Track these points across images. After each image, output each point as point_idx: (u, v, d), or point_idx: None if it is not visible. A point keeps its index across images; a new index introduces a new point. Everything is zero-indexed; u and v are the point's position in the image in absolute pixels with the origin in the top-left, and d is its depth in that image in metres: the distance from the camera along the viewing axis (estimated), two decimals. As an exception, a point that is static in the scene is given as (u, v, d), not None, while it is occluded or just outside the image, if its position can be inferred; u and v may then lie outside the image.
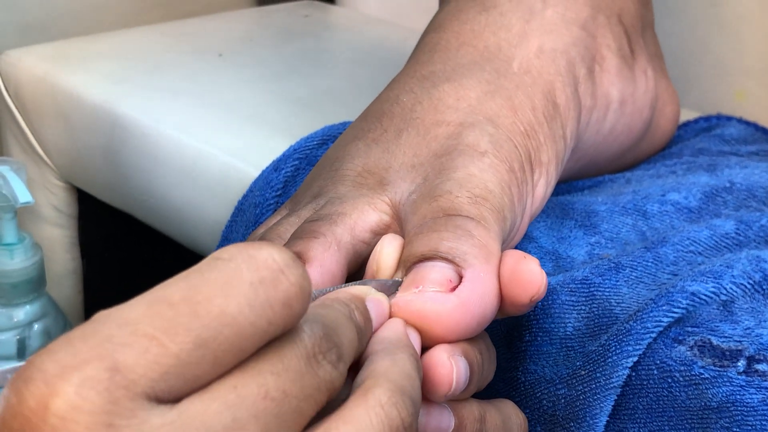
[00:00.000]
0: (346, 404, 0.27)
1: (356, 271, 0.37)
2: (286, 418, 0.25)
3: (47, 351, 0.24)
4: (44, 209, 0.72)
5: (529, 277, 0.34)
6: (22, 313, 0.64)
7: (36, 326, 0.65)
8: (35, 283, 0.64)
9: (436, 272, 0.33)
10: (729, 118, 0.59)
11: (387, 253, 0.35)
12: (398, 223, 0.37)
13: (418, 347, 0.32)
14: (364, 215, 0.37)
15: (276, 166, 0.50)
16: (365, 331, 0.30)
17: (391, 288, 0.34)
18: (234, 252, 0.25)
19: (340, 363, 0.27)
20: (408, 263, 0.34)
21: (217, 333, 0.24)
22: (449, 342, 0.33)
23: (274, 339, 0.26)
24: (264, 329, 0.25)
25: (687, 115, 0.62)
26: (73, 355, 0.23)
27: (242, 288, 0.25)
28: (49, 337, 0.66)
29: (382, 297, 0.33)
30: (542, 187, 0.41)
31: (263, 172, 0.51)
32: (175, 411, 0.24)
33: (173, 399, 0.24)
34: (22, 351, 0.65)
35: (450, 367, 0.32)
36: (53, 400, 0.23)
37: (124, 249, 0.75)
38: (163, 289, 0.25)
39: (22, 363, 0.61)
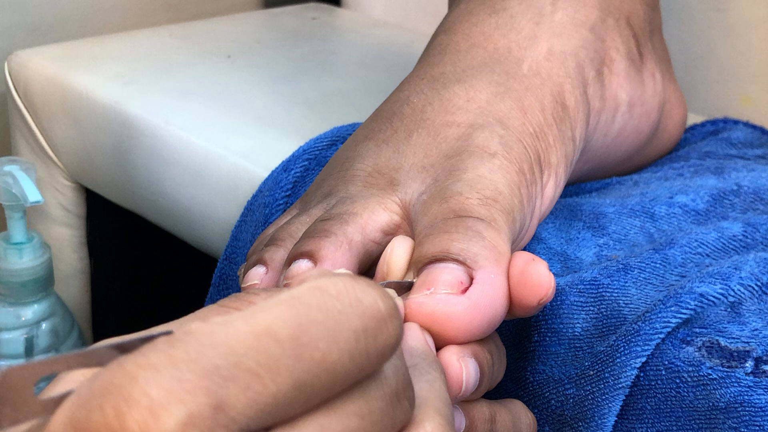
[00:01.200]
0: None
1: (366, 270, 0.37)
2: None
3: (152, 368, 0.22)
4: (53, 209, 0.72)
5: (538, 279, 0.34)
6: (30, 312, 0.65)
7: (44, 325, 0.65)
8: (43, 282, 0.65)
9: (447, 274, 0.34)
10: (736, 122, 0.59)
11: (398, 255, 0.35)
12: (408, 224, 0.37)
13: (431, 350, 0.33)
14: (374, 215, 0.37)
15: (285, 166, 0.50)
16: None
17: (402, 289, 0.34)
18: (341, 290, 0.25)
19: (413, 398, 0.27)
20: (419, 264, 0.34)
21: (315, 378, 0.23)
22: (460, 343, 0.33)
23: (358, 383, 0.25)
24: (356, 376, 0.24)
25: (693, 119, 0.62)
26: (180, 383, 0.22)
27: (347, 335, 0.24)
28: (56, 336, 0.66)
29: (398, 301, 0.33)
30: (551, 188, 0.42)
31: (272, 172, 0.51)
32: None
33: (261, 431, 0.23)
34: (29, 350, 0.65)
35: (460, 368, 0.32)
36: (156, 430, 0.21)
37: (131, 249, 0.76)
38: (269, 319, 0.23)
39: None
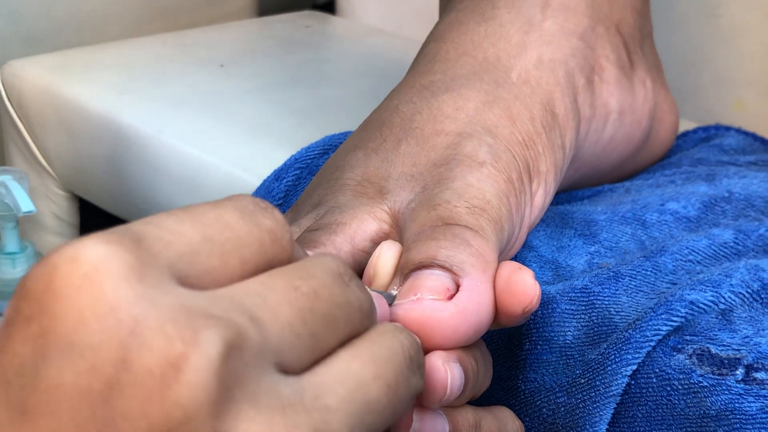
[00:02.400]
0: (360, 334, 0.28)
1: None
2: (320, 319, 0.26)
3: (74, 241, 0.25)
4: (46, 218, 0.72)
5: (522, 288, 0.34)
6: (24, 322, 0.65)
7: (38, 335, 0.65)
8: (37, 292, 0.64)
9: (434, 280, 0.34)
10: (728, 129, 0.59)
11: (385, 259, 0.35)
12: (398, 232, 0.37)
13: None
14: (363, 224, 0.37)
15: (277, 175, 0.50)
16: (371, 313, 0.31)
17: (387, 300, 0.34)
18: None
19: (365, 292, 0.28)
20: (405, 270, 0.35)
21: (218, 233, 0.26)
22: (445, 349, 0.33)
23: (295, 263, 0.27)
24: (259, 242, 0.27)
25: (686, 125, 0.62)
26: (99, 235, 0.24)
27: (229, 207, 0.27)
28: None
29: (377, 294, 0.33)
30: (541, 197, 0.42)
31: (264, 181, 0.51)
32: (206, 292, 0.25)
33: (196, 288, 0.25)
34: (23, 360, 0.65)
35: (445, 373, 0.32)
36: (83, 253, 0.23)
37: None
38: (162, 213, 0.26)
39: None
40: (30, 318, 0.23)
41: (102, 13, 0.86)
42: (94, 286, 0.23)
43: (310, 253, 0.33)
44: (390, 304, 0.34)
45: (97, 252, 0.24)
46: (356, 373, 0.26)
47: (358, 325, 0.28)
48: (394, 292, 0.35)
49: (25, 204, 0.60)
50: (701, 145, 0.57)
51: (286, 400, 0.24)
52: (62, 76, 0.69)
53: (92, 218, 0.72)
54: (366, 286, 0.35)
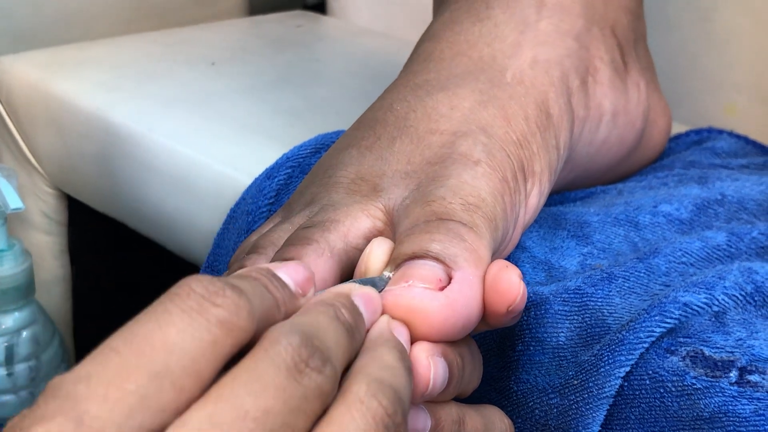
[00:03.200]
0: (329, 409, 0.27)
1: (349, 278, 0.37)
2: (279, 427, 0.25)
3: (18, 416, 0.24)
4: (34, 216, 0.72)
5: (507, 286, 0.34)
6: (10, 320, 0.64)
7: (24, 333, 0.65)
8: (24, 290, 0.64)
9: (427, 270, 0.33)
10: (720, 132, 0.59)
11: (376, 255, 0.35)
12: (391, 230, 0.37)
13: (407, 341, 0.32)
14: (357, 222, 0.37)
15: (269, 174, 0.50)
16: (357, 328, 0.30)
17: (379, 284, 0.34)
18: (161, 298, 0.27)
19: (326, 367, 0.27)
20: (398, 261, 0.34)
21: (165, 361, 0.25)
22: (432, 341, 0.33)
23: (247, 359, 0.26)
24: (212, 346, 0.26)
25: (677, 128, 0.62)
26: (40, 416, 0.24)
27: (174, 314, 0.26)
28: (37, 344, 0.65)
29: (370, 290, 0.32)
30: (535, 197, 0.41)
31: (256, 180, 0.51)
32: None
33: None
34: (10, 358, 0.64)
35: (428, 366, 0.32)
36: None
37: (113, 256, 0.75)
38: (107, 342, 0.26)
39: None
40: None
41: (91, 12, 0.86)
42: None
43: (283, 275, 0.31)
44: (381, 289, 0.33)
45: None
46: None
47: (319, 409, 0.27)
48: (388, 274, 0.34)
49: (14, 201, 0.59)
50: (693, 148, 0.57)
51: None
52: (52, 73, 0.69)
53: (81, 216, 0.72)
54: (360, 278, 0.35)
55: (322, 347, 0.27)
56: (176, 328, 0.26)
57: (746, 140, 0.59)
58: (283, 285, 0.30)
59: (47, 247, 0.73)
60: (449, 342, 0.34)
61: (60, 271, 0.73)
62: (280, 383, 0.26)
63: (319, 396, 0.27)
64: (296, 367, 0.26)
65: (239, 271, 0.31)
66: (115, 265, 0.76)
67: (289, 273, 0.31)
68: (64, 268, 0.73)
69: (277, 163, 0.50)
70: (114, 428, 0.24)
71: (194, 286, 0.27)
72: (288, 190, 0.49)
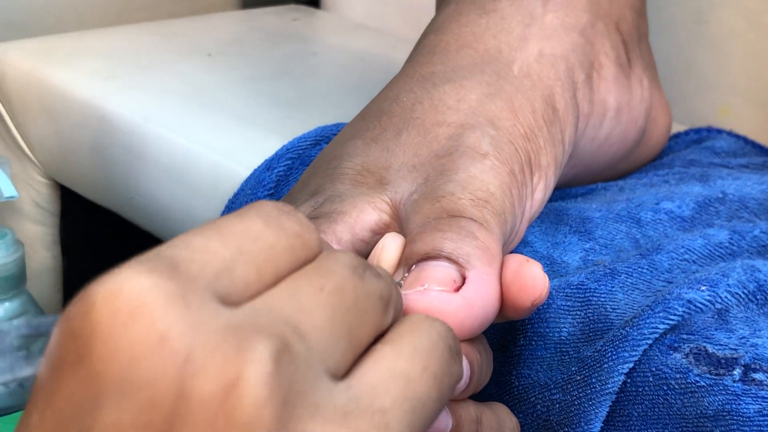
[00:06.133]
0: (392, 328, 0.28)
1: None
2: (350, 315, 0.26)
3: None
4: (26, 205, 0.71)
5: (532, 281, 0.34)
6: (1, 310, 0.63)
7: (15, 323, 0.64)
8: (16, 280, 0.63)
9: (441, 272, 0.33)
10: (719, 131, 0.59)
11: (389, 251, 0.35)
12: (398, 223, 0.37)
13: None
14: (364, 214, 0.37)
15: (268, 165, 0.49)
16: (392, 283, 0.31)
17: None
18: (237, 210, 0.28)
19: (382, 279, 0.28)
20: (410, 261, 0.34)
21: (250, 245, 0.26)
22: None
23: (311, 263, 0.27)
24: (288, 248, 0.27)
25: (674, 128, 0.62)
26: (132, 264, 0.24)
27: (254, 217, 0.27)
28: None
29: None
30: (541, 191, 0.41)
31: (255, 171, 0.50)
32: (242, 307, 0.25)
33: (237, 303, 0.25)
34: None
35: None
36: (124, 287, 0.23)
37: (106, 247, 0.75)
38: (191, 231, 0.26)
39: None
40: (80, 360, 0.23)
41: (84, 2, 0.85)
42: (142, 320, 0.23)
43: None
44: None
45: (138, 285, 0.23)
46: (404, 370, 0.26)
47: (383, 312, 0.28)
48: (399, 280, 0.34)
49: (7, 189, 0.58)
50: (693, 147, 0.57)
51: (344, 407, 0.24)
52: (46, 62, 0.68)
53: (74, 207, 0.71)
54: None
55: (377, 269, 0.29)
56: (257, 225, 0.26)
57: (745, 140, 0.59)
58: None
59: (39, 237, 0.72)
60: (469, 340, 0.34)
61: (51, 262, 0.73)
62: (347, 275, 0.27)
63: (380, 298, 0.27)
64: (356, 269, 0.27)
65: None
66: (108, 256, 0.75)
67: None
68: (55, 259, 0.73)
69: (276, 154, 0.50)
70: (205, 282, 0.24)
71: (267, 204, 0.28)
72: (288, 182, 0.49)
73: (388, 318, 0.28)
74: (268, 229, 0.26)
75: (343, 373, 0.26)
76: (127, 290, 0.23)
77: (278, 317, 0.24)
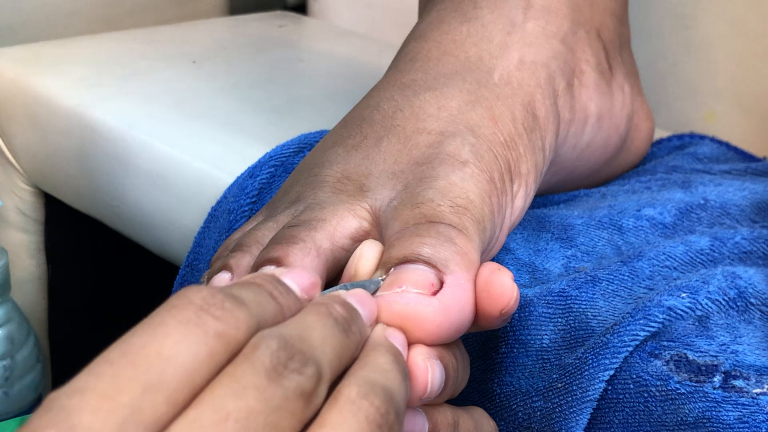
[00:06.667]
0: (321, 411, 0.27)
1: (335, 278, 0.37)
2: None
3: None
4: (10, 213, 0.71)
5: (501, 289, 0.34)
6: (-15, 318, 0.63)
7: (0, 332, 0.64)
8: (0, 288, 0.63)
9: (419, 275, 0.33)
10: (702, 137, 0.59)
11: (367, 258, 0.35)
12: (378, 231, 0.37)
13: (403, 345, 0.32)
14: (344, 221, 0.37)
15: (251, 172, 0.49)
16: (353, 322, 0.30)
17: (370, 287, 0.34)
18: (159, 309, 0.27)
19: (307, 367, 0.27)
20: (388, 265, 0.34)
21: (160, 374, 0.25)
22: (427, 345, 0.33)
23: (229, 365, 0.26)
24: (208, 359, 0.26)
25: (658, 134, 0.62)
26: (32, 429, 0.24)
27: (170, 330, 0.26)
28: (12, 343, 0.64)
29: (360, 291, 0.32)
30: (521, 198, 0.41)
31: (238, 178, 0.50)
32: None
33: None
34: (-16, 357, 0.64)
35: (425, 369, 0.32)
36: None
37: (90, 255, 0.74)
38: (103, 354, 0.26)
39: None
40: None
41: (70, 9, 0.85)
42: None
43: (289, 281, 0.31)
44: (374, 293, 0.33)
45: None
46: None
47: (304, 408, 0.27)
48: (381, 279, 0.34)
49: (-9, 197, 0.58)
50: (675, 153, 0.57)
51: None
52: (31, 69, 0.68)
53: (58, 215, 0.71)
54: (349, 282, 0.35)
55: (303, 347, 0.27)
56: (172, 340, 0.26)
57: (728, 146, 0.59)
58: (288, 291, 0.30)
59: (23, 245, 0.72)
60: (444, 344, 0.33)
61: (36, 270, 0.72)
62: (260, 384, 0.26)
63: (300, 396, 0.26)
64: (275, 369, 0.26)
65: (244, 278, 0.31)
66: (93, 264, 0.75)
67: (294, 278, 0.31)
68: (40, 267, 0.73)
69: (259, 161, 0.50)
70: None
71: (192, 297, 0.27)
72: (271, 189, 0.48)
73: (314, 405, 0.27)
74: (183, 345, 0.26)
75: None
76: None
77: None
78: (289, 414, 0.26)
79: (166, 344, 0.25)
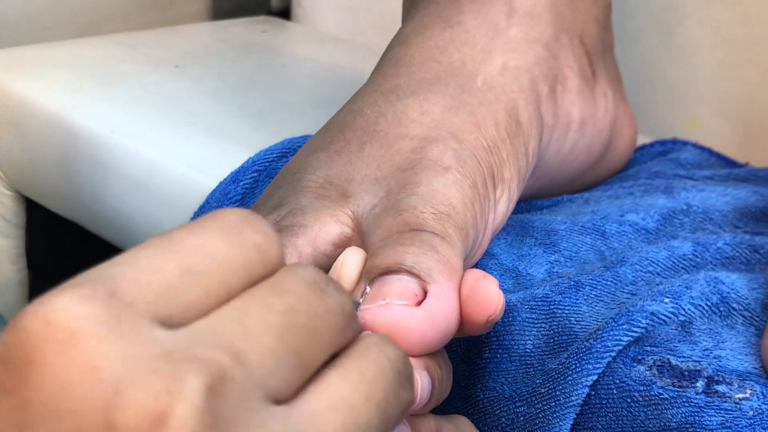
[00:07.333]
0: (346, 348, 0.27)
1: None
2: (301, 335, 0.25)
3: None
4: (-9, 218, 0.70)
5: (487, 296, 0.34)
6: (-35, 324, 0.63)
7: (-20, 338, 0.64)
8: (-20, 294, 0.63)
9: (402, 286, 0.33)
10: (684, 143, 0.59)
11: (350, 266, 0.35)
12: (360, 237, 0.37)
13: None
14: (325, 227, 0.37)
15: (234, 177, 0.49)
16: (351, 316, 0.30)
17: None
18: (197, 219, 0.27)
19: (345, 294, 0.28)
20: (372, 275, 0.34)
21: (198, 263, 0.25)
22: (412, 356, 0.33)
23: (270, 278, 0.27)
24: (245, 265, 0.26)
25: (641, 140, 0.62)
26: (72, 284, 0.24)
27: (212, 229, 0.26)
28: (-8, 349, 0.64)
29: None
30: (504, 204, 0.41)
31: (221, 183, 0.50)
32: (183, 329, 0.24)
33: (179, 325, 0.24)
34: (-36, 363, 0.63)
35: (415, 380, 0.32)
36: (57, 315, 0.23)
37: (71, 260, 0.74)
38: (145, 241, 0.26)
39: None
40: (9, 389, 0.23)
41: (52, 13, 0.85)
42: (74, 350, 0.22)
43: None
44: (357, 305, 0.33)
45: (72, 313, 0.23)
46: (346, 398, 0.26)
47: (342, 329, 0.27)
48: (359, 300, 0.34)
49: (-29, 202, 0.58)
50: (658, 159, 0.57)
51: None
52: (12, 73, 0.68)
53: (39, 219, 0.71)
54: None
55: (339, 288, 0.28)
56: (213, 239, 0.26)
57: (710, 152, 0.59)
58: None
59: (4, 251, 0.71)
60: (429, 354, 0.33)
61: (17, 275, 0.72)
62: (303, 292, 0.26)
63: (341, 313, 0.27)
64: (317, 284, 0.27)
65: None
66: (74, 269, 0.74)
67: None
68: (20, 272, 0.72)
69: (242, 166, 0.50)
70: (144, 306, 0.24)
71: (230, 213, 0.27)
72: (254, 194, 0.48)
73: (350, 333, 0.28)
74: (223, 245, 0.26)
75: (289, 396, 0.25)
76: (60, 319, 0.23)
77: (218, 341, 0.24)
78: (328, 325, 0.26)
79: (207, 240, 0.26)
